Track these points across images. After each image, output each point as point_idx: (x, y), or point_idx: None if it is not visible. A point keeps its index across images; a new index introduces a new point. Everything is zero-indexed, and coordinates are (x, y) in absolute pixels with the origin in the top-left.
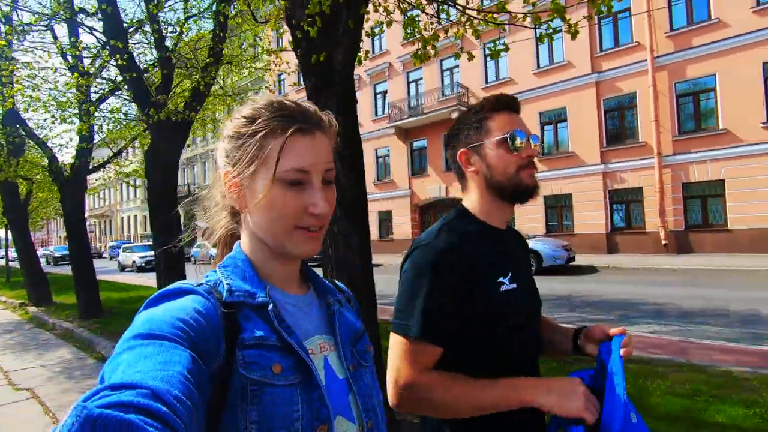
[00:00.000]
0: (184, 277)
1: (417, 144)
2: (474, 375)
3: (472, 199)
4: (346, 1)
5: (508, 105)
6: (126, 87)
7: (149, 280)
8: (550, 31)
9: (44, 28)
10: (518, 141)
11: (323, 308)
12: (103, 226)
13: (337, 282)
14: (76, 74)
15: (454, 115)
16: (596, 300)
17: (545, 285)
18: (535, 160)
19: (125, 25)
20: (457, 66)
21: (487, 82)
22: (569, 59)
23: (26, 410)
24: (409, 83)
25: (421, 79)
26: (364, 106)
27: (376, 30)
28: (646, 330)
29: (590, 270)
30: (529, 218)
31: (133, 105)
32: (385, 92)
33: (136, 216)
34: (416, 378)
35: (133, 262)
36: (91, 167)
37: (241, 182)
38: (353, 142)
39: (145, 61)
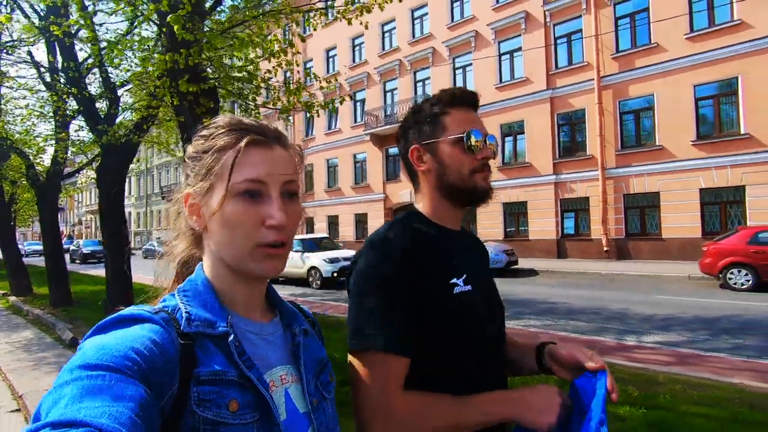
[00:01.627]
0: (130, 283)
1: (392, 150)
2: (435, 385)
3: (422, 200)
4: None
5: (467, 101)
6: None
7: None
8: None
9: (30, 44)
10: (474, 141)
11: (288, 338)
12: (98, 221)
13: (301, 306)
14: (51, 93)
15: None
16: (503, 298)
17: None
18: (491, 162)
19: (80, 61)
20: (429, 78)
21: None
22: (527, 75)
23: None
24: (385, 92)
25: (397, 89)
26: (343, 113)
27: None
28: (522, 324)
29: (529, 273)
30: (489, 223)
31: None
32: (363, 100)
33: (130, 212)
34: (394, 401)
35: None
36: (65, 173)
37: (198, 200)
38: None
39: (96, 90)
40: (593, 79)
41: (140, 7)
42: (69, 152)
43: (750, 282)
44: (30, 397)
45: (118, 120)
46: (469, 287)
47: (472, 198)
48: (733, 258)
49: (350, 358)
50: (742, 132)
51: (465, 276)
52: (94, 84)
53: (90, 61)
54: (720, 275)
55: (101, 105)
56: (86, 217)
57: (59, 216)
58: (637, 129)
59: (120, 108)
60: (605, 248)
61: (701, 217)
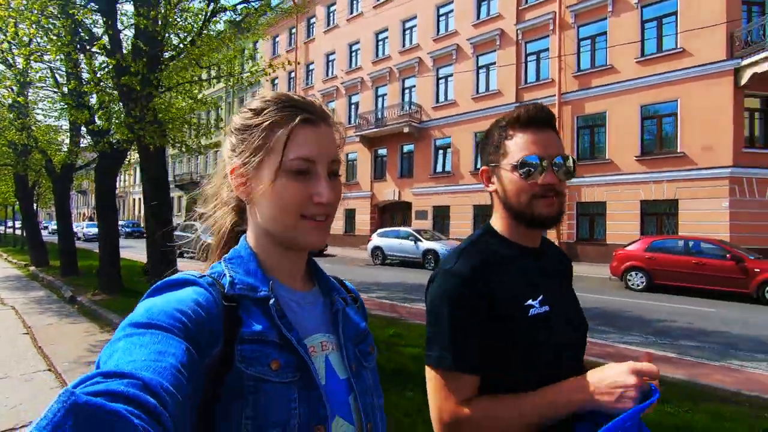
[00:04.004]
0: (118, 263)
1: (380, 151)
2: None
3: (496, 217)
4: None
5: (530, 120)
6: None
7: (128, 252)
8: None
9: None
10: (532, 167)
11: (327, 306)
12: (117, 205)
13: (344, 280)
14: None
15: (406, 129)
16: (392, 283)
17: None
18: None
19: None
20: (415, 86)
21: (437, 102)
22: (500, 89)
23: (7, 316)
24: (377, 97)
25: (386, 94)
26: (339, 114)
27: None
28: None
29: None
30: (461, 223)
31: None
32: (357, 103)
33: (142, 199)
34: (457, 411)
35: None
36: (78, 165)
37: (247, 173)
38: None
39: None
40: (555, 95)
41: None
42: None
43: (644, 283)
44: (35, 328)
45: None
46: (546, 308)
47: (533, 224)
48: (632, 262)
49: (427, 371)
50: (678, 151)
51: (541, 297)
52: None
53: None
54: (622, 277)
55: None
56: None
57: (83, 198)
58: (591, 143)
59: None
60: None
61: (641, 226)
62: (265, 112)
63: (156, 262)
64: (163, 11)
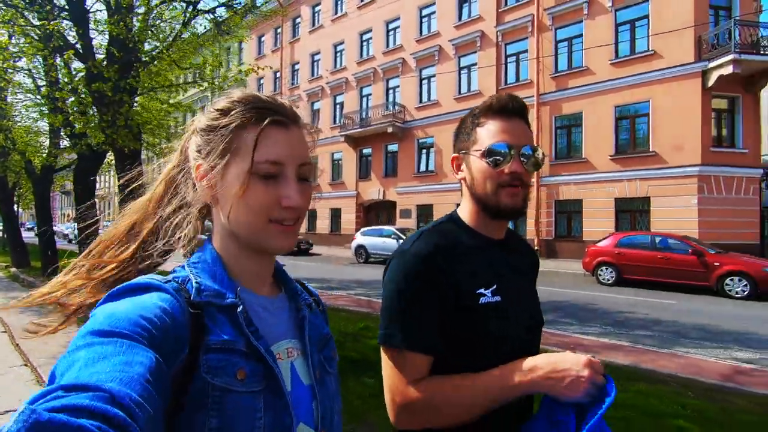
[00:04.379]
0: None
1: (365, 151)
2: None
3: (463, 206)
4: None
5: (502, 109)
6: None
7: None
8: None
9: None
10: (497, 156)
11: (293, 312)
12: (102, 206)
13: (306, 284)
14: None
15: (390, 129)
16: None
17: None
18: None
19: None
20: (399, 86)
21: (420, 102)
22: (480, 89)
23: None
24: (361, 97)
25: (371, 94)
26: (324, 113)
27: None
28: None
29: None
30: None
31: None
32: (342, 103)
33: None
34: (408, 390)
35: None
36: (58, 167)
37: (213, 175)
38: None
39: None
40: (533, 96)
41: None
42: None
43: (613, 278)
44: (13, 326)
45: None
46: (497, 298)
47: (497, 213)
48: (602, 258)
49: (381, 352)
50: (650, 150)
51: (495, 287)
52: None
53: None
54: (593, 272)
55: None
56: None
57: (67, 199)
58: (568, 142)
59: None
60: (536, 247)
61: (615, 223)
62: (233, 112)
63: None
64: (138, 18)
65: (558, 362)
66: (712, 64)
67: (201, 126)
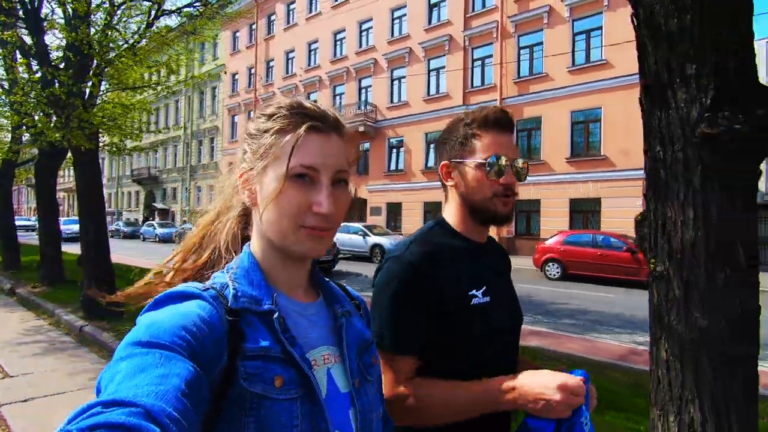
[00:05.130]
0: (59, 257)
1: None
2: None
3: (450, 211)
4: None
5: (498, 123)
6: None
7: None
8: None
9: None
10: (497, 167)
11: (331, 318)
12: (71, 200)
13: (347, 288)
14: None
15: (362, 128)
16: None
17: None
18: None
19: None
20: (371, 86)
21: (391, 102)
22: (448, 91)
23: None
24: (334, 96)
25: (344, 93)
26: None
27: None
28: None
29: None
30: (412, 219)
31: None
32: (316, 101)
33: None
34: (394, 392)
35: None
36: (17, 162)
37: (253, 178)
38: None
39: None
40: (497, 100)
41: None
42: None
43: (559, 273)
44: None
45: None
46: (487, 299)
47: (490, 220)
48: (550, 254)
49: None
50: (602, 154)
51: (484, 288)
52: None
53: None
54: (542, 268)
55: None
56: (60, 195)
57: (32, 194)
58: (528, 145)
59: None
60: (506, 233)
61: (569, 222)
62: (276, 117)
63: (89, 254)
64: (99, 22)
65: (533, 387)
66: None
67: (249, 131)
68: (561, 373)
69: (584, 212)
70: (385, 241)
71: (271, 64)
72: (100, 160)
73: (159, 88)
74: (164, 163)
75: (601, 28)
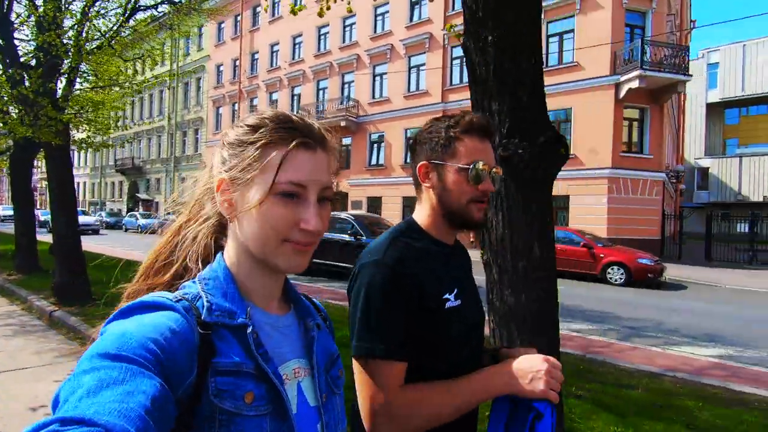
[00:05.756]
0: (34, 246)
1: None
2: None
3: (422, 212)
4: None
5: (482, 130)
6: None
7: None
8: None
9: None
10: (477, 173)
11: (302, 331)
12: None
13: (314, 300)
14: None
15: (343, 123)
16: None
17: None
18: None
19: None
20: (353, 81)
21: (373, 98)
22: (428, 89)
23: None
24: (318, 90)
25: (327, 88)
26: (282, 105)
27: None
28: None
29: None
30: (392, 213)
31: None
32: (299, 95)
33: (85, 183)
34: (393, 399)
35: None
36: None
37: (234, 190)
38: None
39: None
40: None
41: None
42: None
43: None
44: None
45: None
46: (458, 302)
47: (464, 225)
48: None
49: (354, 363)
50: (571, 153)
51: (456, 291)
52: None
53: None
54: None
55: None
56: (40, 184)
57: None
58: None
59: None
60: (471, 240)
61: None
62: (262, 130)
63: (61, 243)
64: (72, 23)
65: (520, 366)
66: (623, 78)
67: (229, 140)
68: (542, 358)
69: (554, 209)
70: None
71: (256, 56)
72: (82, 151)
73: (127, 85)
74: (148, 153)
75: (572, 30)
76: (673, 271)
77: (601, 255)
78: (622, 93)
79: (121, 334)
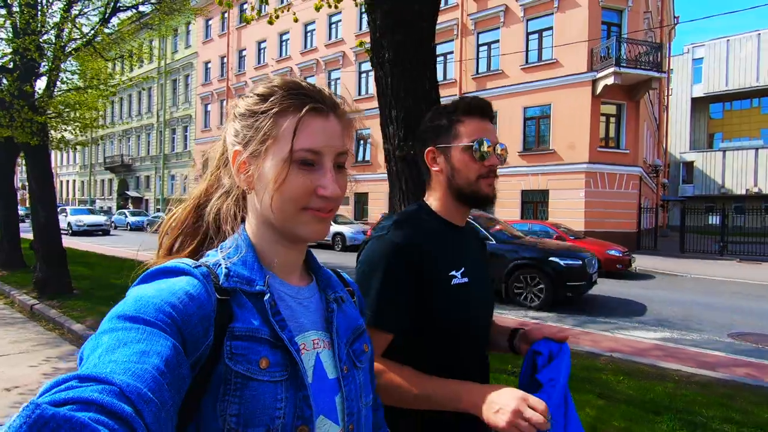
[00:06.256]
0: (18, 244)
1: None
2: (425, 363)
3: (433, 196)
4: None
5: (481, 110)
6: None
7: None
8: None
9: None
10: (484, 150)
11: (323, 303)
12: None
13: (343, 274)
14: None
15: None
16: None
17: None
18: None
19: None
20: (340, 78)
21: (359, 95)
22: None
23: None
24: None
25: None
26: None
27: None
28: None
29: None
30: (378, 209)
31: None
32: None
33: (74, 181)
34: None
35: (69, 224)
36: None
37: (250, 161)
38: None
39: None
40: (457, 95)
41: None
42: None
43: None
44: None
45: None
46: (465, 279)
47: (476, 201)
48: None
49: None
50: (550, 148)
51: (463, 269)
52: None
53: None
54: None
55: None
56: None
57: None
58: None
59: None
60: None
61: (521, 212)
62: (273, 98)
63: (41, 238)
64: (50, 24)
65: (494, 403)
66: (599, 75)
67: (240, 111)
68: (522, 397)
69: (534, 203)
70: (346, 230)
71: (244, 53)
72: (71, 149)
73: (110, 84)
74: (137, 151)
75: (552, 28)
76: (646, 263)
77: None
78: (599, 89)
79: (139, 297)
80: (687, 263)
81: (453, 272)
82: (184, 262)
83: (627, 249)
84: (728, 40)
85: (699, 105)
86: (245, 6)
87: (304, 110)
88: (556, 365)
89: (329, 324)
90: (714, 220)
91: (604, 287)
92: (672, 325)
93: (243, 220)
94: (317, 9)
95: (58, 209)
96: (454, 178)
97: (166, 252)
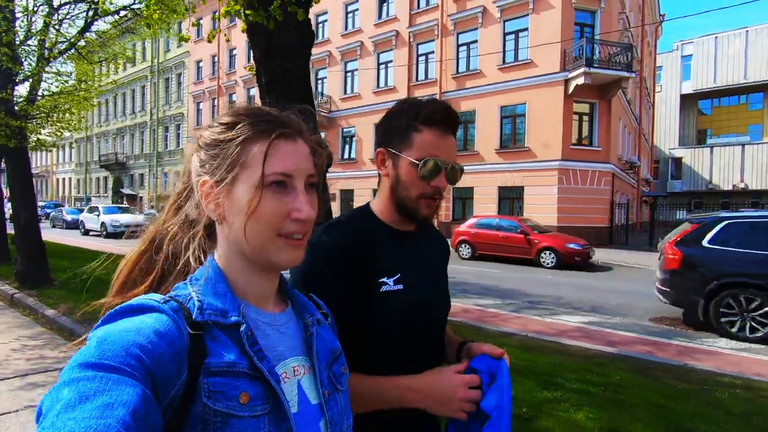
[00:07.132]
0: (4, 238)
1: None
2: (371, 371)
3: (379, 198)
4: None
5: (444, 122)
6: None
7: None
8: None
9: None
10: (429, 169)
11: (301, 327)
12: (39, 186)
13: (314, 297)
14: None
15: (317, 118)
16: None
17: None
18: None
19: None
20: (326, 77)
21: (344, 94)
22: (395, 85)
23: None
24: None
25: None
26: (259, 101)
27: None
28: None
29: None
30: (364, 198)
31: None
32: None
33: (71, 178)
34: None
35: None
36: None
37: (219, 191)
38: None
39: None
40: (437, 93)
41: None
42: None
43: (470, 254)
44: None
45: None
46: (400, 286)
47: (411, 218)
48: (462, 237)
49: None
50: (525, 145)
51: (398, 276)
52: None
53: None
54: (456, 249)
55: None
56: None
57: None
58: (464, 136)
59: None
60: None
61: (498, 208)
62: (239, 126)
63: (22, 233)
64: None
65: (435, 388)
66: (571, 75)
67: (205, 141)
68: (459, 383)
69: (510, 199)
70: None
71: (234, 52)
72: (67, 147)
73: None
74: (131, 148)
75: (527, 29)
76: (613, 256)
77: (536, 241)
78: (571, 89)
79: (103, 340)
80: (653, 257)
81: (384, 279)
82: (151, 298)
83: (587, 243)
84: (716, 37)
85: (688, 101)
86: (182, 25)
87: (273, 135)
88: (499, 387)
89: (309, 348)
90: (682, 215)
91: (561, 278)
92: (603, 311)
93: (206, 253)
94: (210, 40)
95: (86, 208)
96: (398, 188)
97: (117, 292)
